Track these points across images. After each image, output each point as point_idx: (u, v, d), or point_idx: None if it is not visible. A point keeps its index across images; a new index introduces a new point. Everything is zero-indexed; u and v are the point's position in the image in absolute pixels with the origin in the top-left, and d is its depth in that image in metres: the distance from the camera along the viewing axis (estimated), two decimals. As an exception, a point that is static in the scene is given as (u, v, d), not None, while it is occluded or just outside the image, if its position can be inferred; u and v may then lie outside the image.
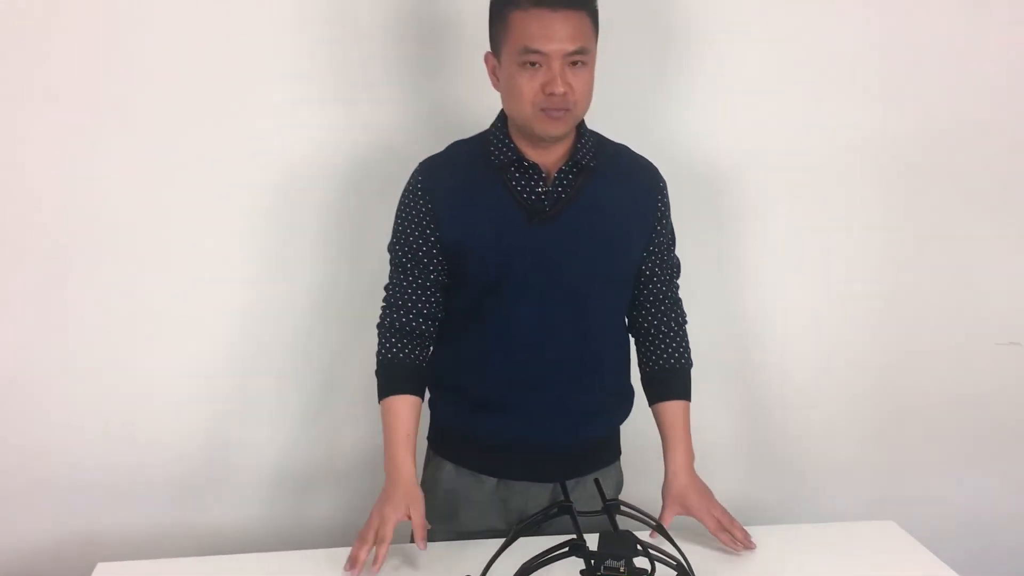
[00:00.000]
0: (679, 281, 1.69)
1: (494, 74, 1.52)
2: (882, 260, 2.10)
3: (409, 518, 1.48)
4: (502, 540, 1.39)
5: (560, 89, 1.42)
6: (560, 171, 1.51)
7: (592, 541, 1.25)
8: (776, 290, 2.09)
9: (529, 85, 1.44)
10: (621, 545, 1.14)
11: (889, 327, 2.14)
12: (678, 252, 1.69)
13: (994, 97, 2.04)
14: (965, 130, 2.04)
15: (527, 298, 1.53)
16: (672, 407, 1.63)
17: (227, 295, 1.92)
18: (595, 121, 1.61)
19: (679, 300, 1.69)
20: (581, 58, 1.45)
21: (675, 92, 1.96)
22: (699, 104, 1.97)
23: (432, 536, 1.53)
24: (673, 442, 1.62)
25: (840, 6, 1.94)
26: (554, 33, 1.42)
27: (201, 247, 1.89)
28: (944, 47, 1.99)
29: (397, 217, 1.59)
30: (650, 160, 1.64)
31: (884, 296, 2.12)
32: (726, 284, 2.07)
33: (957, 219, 2.10)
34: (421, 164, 1.59)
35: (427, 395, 1.64)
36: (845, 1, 1.94)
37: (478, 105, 1.69)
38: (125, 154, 1.82)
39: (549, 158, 1.53)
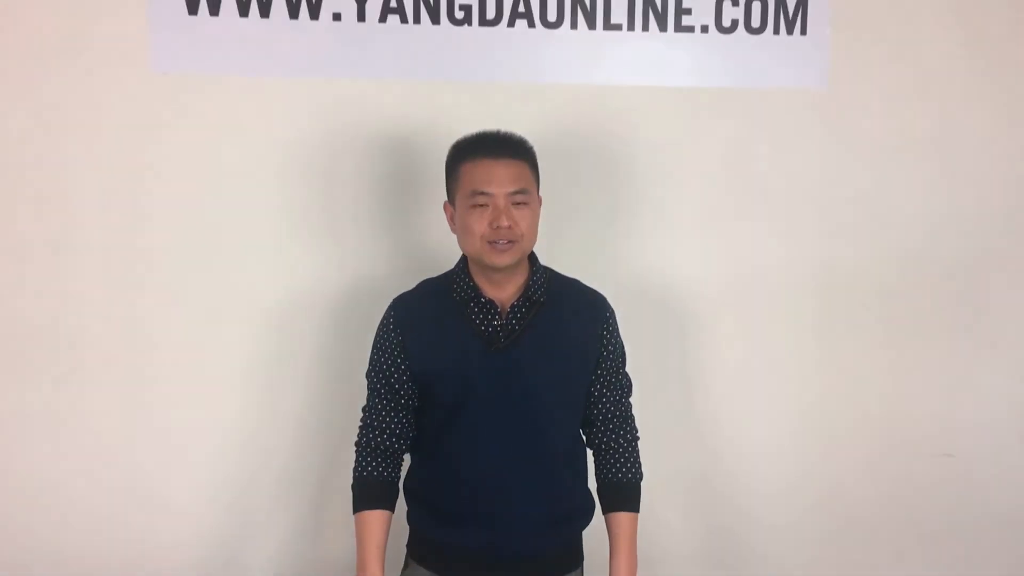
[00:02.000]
0: (632, 399, 1.82)
1: (452, 220, 1.72)
2: (825, 375, 2.23)
3: None
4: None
5: (505, 223, 1.62)
6: (514, 306, 1.69)
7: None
8: (726, 402, 2.22)
9: (479, 223, 1.64)
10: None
11: (833, 437, 2.25)
12: (633, 369, 1.82)
13: (922, 229, 2.21)
14: (897, 254, 2.21)
15: (488, 418, 1.68)
16: (619, 518, 1.75)
17: (227, 415, 2.10)
18: (554, 254, 1.82)
19: (630, 417, 1.81)
20: (523, 198, 1.65)
21: (624, 225, 2.15)
22: (646, 234, 2.15)
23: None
24: (617, 551, 1.74)
25: (770, 144, 2.14)
26: (497, 177, 1.64)
27: (202, 371, 2.08)
28: (872, 185, 2.18)
29: (373, 348, 1.77)
30: (598, 290, 1.80)
31: (828, 409, 2.24)
32: (679, 397, 2.20)
33: (894, 340, 2.23)
34: (394, 300, 1.77)
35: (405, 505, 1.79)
36: (775, 140, 2.14)
37: (445, 247, 1.89)
38: (138, 290, 2.04)
39: (504, 294, 1.71)
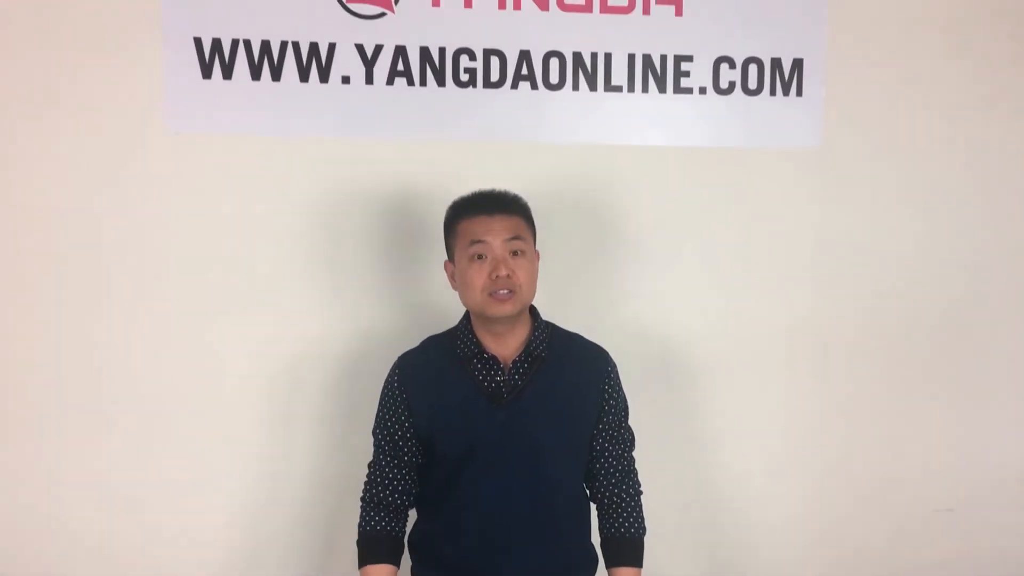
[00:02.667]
0: (635, 453, 1.83)
1: (452, 278, 1.77)
2: (823, 429, 2.25)
3: None
4: None
5: (504, 272, 1.67)
6: (515, 361, 1.73)
7: None
8: (726, 454, 2.23)
9: (479, 275, 1.68)
10: None
11: (833, 490, 2.26)
12: (635, 423, 1.84)
13: (918, 283, 2.24)
14: (893, 309, 2.24)
15: (492, 472, 1.70)
16: (622, 573, 1.76)
17: (233, 469, 2.13)
18: (556, 309, 1.86)
19: (633, 471, 1.83)
20: (520, 246, 1.70)
21: (624, 281, 2.18)
22: (646, 290, 2.18)
23: None
24: (620, 606, 1.75)
25: (766, 201, 2.19)
26: (493, 228, 1.69)
27: (207, 427, 2.11)
28: (866, 241, 2.22)
29: (379, 405, 1.80)
30: (600, 345, 1.84)
31: (826, 461, 2.25)
32: (681, 450, 2.22)
33: (893, 393, 2.25)
34: (399, 359, 1.80)
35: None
36: (771, 197, 2.19)
37: (450, 304, 1.93)
38: (144, 344, 2.08)
39: (507, 350, 1.74)
